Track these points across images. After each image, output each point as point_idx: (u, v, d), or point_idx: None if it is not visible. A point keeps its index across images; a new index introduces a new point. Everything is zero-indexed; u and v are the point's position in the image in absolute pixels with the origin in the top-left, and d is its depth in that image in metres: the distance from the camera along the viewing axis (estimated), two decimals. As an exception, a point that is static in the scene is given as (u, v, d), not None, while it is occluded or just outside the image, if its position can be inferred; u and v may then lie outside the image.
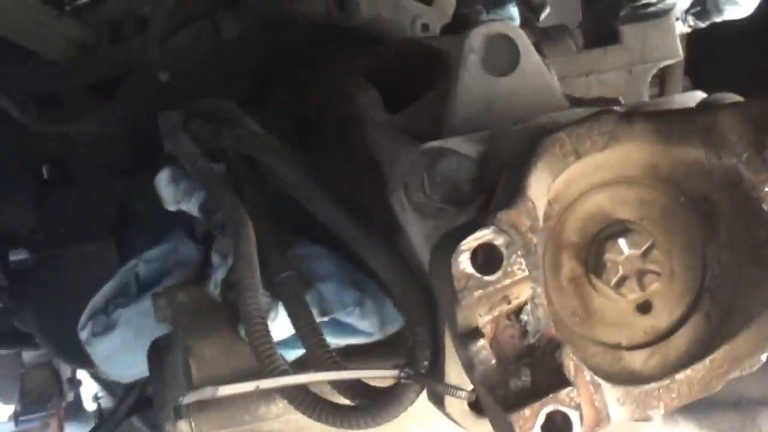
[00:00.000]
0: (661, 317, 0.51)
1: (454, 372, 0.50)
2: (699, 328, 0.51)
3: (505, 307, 0.42)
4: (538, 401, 0.40)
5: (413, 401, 0.53)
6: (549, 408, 0.40)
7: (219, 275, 0.67)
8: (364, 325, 0.63)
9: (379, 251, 0.58)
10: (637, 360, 0.49)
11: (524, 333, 0.44)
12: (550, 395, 0.40)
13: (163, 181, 0.75)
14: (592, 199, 0.50)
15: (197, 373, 0.63)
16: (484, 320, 0.42)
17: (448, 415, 0.52)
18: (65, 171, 1.11)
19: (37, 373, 1.97)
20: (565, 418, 0.40)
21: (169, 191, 0.75)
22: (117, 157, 1.07)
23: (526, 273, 0.42)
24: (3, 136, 1.04)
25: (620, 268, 0.47)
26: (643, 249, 0.48)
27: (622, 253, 0.47)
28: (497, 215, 0.43)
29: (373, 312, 0.63)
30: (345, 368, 0.55)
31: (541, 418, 0.40)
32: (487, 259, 0.41)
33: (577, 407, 0.41)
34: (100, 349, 0.75)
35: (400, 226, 0.54)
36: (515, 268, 0.41)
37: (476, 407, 0.51)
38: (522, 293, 0.43)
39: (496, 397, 0.42)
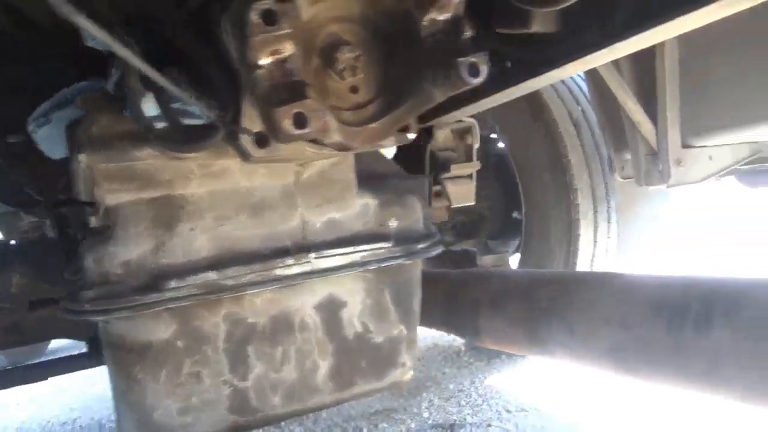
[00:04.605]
0: (362, 95, 0.86)
1: (247, 121, 0.82)
2: (380, 104, 0.87)
3: (276, 57, 0.74)
4: (295, 102, 0.73)
5: (220, 136, 0.85)
6: (298, 108, 0.73)
7: (115, 78, 0.92)
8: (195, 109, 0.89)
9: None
10: (348, 116, 0.85)
11: (286, 73, 0.74)
12: (299, 102, 0.73)
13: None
14: (330, 26, 0.82)
15: (96, 129, 0.94)
16: (264, 61, 0.74)
17: (239, 147, 0.84)
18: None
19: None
20: (305, 117, 0.74)
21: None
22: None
23: (291, 30, 0.71)
24: None
25: (344, 62, 0.80)
26: (355, 55, 0.82)
27: (345, 54, 0.80)
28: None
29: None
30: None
31: (291, 114, 0.72)
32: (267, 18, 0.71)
33: (315, 112, 0.74)
34: (40, 134, 1.06)
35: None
36: (284, 25, 0.70)
37: (258, 142, 0.83)
38: (286, 49, 0.73)
39: (269, 102, 0.72)
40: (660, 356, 1.00)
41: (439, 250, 1.20)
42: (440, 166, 1.97)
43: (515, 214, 2.84)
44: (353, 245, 1.10)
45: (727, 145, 1.92)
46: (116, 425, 1.08)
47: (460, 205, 2.02)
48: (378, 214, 1.15)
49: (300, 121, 0.73)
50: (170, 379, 0.99)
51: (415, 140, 2.02)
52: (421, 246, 1.17)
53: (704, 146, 1.90)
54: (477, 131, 2.02)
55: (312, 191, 1.09)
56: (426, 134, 1.96)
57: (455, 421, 2.35)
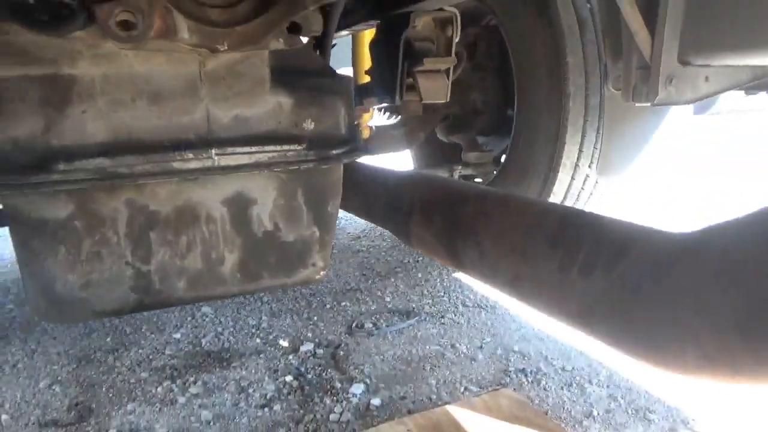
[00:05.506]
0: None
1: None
2: (252, 5, 0.85)
3: None
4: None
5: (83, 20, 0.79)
6: (121, 8, 0.71)
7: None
8: None
9: None
10: (213, 14, 0.82)
11: None
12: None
13: None
14: None
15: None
16: None
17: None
18: None
19: None
20: (135, 17, 0.72)
21: None
22: None
23: None
24: None
25: None
26: None
27: None
28: None
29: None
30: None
31: (116, 15, 0.70)
32: None
33: (141, 13, 0.71)
34: None
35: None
36: None
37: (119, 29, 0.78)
38: None
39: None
40: (548, 291, 1.01)
41: (355, 157, 1.16)
42: (414, 57, 1.85)
43: (510, 112, 2.74)
44: (260, 145, 1.07)
45: (729, 66, 1.75)
46: (24, 291, 1.15)
47: (431, 102, 1.94)
48: (292, 114, 1.10)
49: (125, 21, 0.66)
50: (70, 256, 1.03)
51: (394, 27, 1.91)
52: (335, 152, 1.13)
53: (703, 65, 1.74)
54: (458, 22, 1.86)
55: (220, 84, 1.04)
56: (402, 21, 1.82)
57: (413, 308, 2.47)
